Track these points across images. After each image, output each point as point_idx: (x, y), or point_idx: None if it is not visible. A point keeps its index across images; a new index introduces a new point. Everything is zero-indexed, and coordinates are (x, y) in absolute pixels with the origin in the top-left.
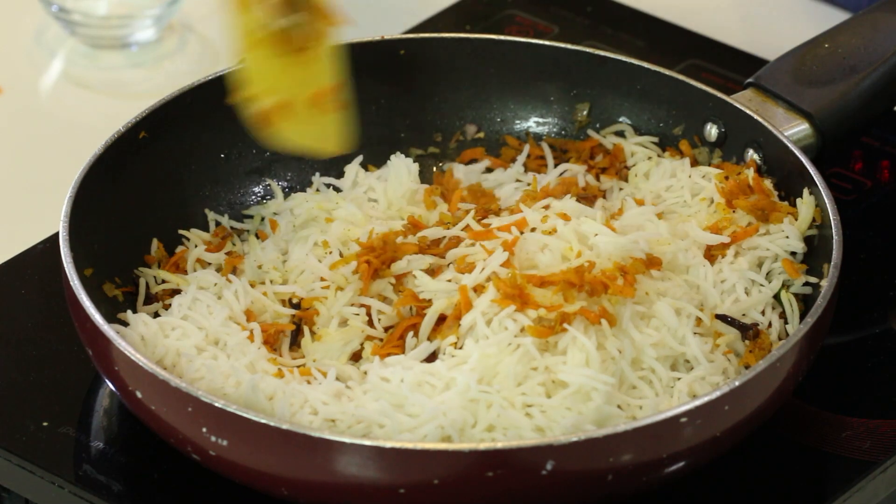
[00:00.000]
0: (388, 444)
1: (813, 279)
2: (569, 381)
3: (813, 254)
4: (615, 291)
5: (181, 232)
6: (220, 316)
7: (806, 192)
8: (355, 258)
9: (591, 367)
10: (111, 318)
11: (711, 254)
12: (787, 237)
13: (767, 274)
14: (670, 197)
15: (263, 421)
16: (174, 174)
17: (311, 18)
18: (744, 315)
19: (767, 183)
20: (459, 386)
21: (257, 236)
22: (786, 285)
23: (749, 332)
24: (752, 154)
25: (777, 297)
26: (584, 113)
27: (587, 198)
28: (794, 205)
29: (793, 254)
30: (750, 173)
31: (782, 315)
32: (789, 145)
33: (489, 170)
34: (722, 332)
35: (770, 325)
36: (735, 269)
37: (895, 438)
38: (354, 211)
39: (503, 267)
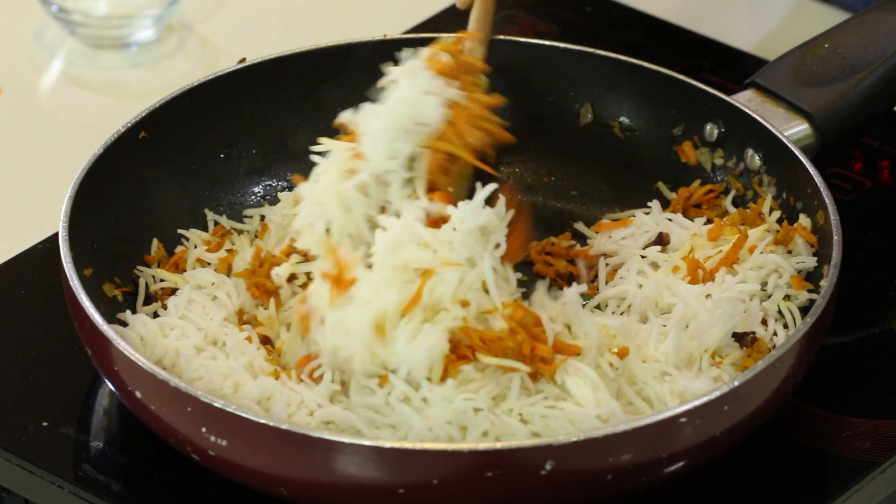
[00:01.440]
0: (388, 444)
1: (815, 296)
2: (583, 403)
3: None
4: (544, 369)
5: (181, 232)
6: (218, 316)
7: (803, 216)
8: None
9: (598, 394)
10: (111, 318)
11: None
12: (801, 255)
13: (765, 285)
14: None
15: (263, 421)
16: (174, 174)
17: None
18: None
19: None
20: (437, 403)
21: (256, 236)
22: (788, 297)
23: (746, 338)
24: (751, 154)
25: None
26: (589, 116)
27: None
28: (794, 206)
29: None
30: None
31: (786, 325)
32: (789, 145)
33: None
34: (727, 353)
35: (775, 333)
36: (723, 302)
37: (895, 438)
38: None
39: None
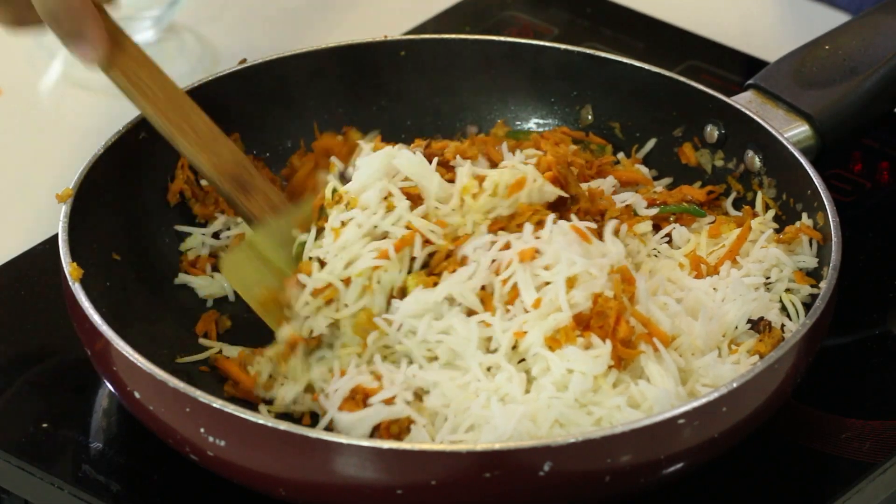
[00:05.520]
0: (386, 445)
1: (817, 290)
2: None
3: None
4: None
5: (179, 228)
6: None
7: (805, 216)
8: None
9: (673, 381)
10: (111, 318)
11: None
12: (802, 254)
13: (768, 279)
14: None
15: (261, 422)
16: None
17: None
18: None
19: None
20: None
21: None
22: (790, 290)
23: (759, 324)
24: (752, 156)
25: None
26: (589, 116)
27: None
28: (794, 208)
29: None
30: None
31: (790, 318)
32: (789, 147)
33: None
34: (741, 341)
35: (783, 326)
36: (737, 285)
37: (894, 440)
38: None
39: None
